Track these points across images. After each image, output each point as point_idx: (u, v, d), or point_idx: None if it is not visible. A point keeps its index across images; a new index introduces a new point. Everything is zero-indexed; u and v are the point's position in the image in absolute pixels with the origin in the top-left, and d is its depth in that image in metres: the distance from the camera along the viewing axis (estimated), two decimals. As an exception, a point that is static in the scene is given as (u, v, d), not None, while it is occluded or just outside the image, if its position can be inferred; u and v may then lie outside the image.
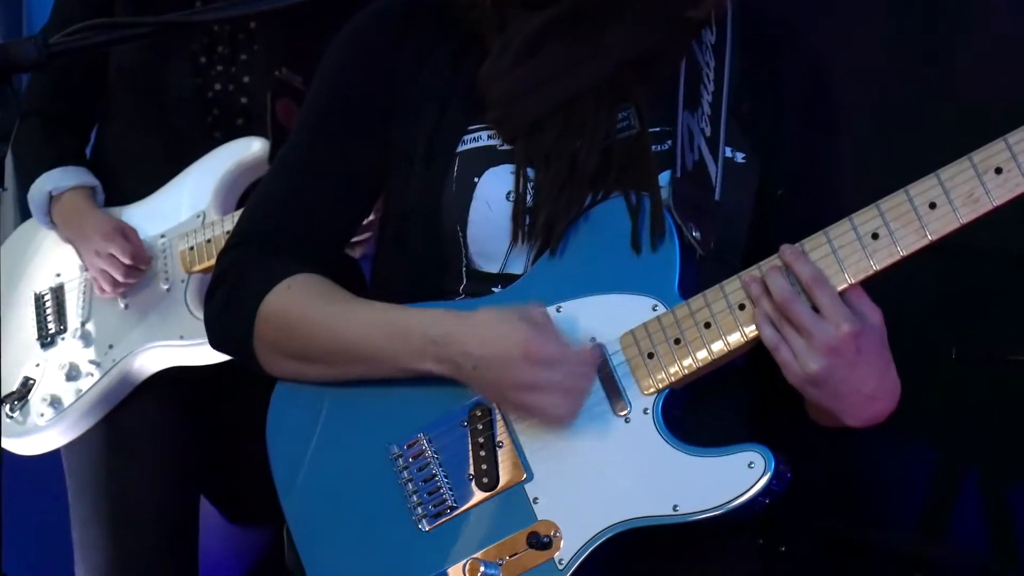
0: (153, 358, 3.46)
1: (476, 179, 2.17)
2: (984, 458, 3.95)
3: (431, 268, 2.20)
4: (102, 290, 3.48)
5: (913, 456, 4.04)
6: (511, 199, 2.15)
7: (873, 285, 2.04)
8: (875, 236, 1.99)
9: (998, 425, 3.85)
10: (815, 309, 2.00)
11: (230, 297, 2.27)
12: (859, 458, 4.12)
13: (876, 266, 2.00)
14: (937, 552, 3.93)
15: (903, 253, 1.98)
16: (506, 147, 2.18)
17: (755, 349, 2.08)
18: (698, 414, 2.13)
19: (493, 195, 2.16)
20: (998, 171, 1.94)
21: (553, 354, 2.04)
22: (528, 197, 2.14)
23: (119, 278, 3.43)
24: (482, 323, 2.08)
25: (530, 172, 2.15)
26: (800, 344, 1.99)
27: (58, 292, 3.60)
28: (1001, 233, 3.44)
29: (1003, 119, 2.00)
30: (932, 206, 1.97)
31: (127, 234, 3.45)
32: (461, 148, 2.19)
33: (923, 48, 4.10)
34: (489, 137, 2.19)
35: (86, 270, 3.52)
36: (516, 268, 2.18)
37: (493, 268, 2.19)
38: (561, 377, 2.05)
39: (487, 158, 2.18)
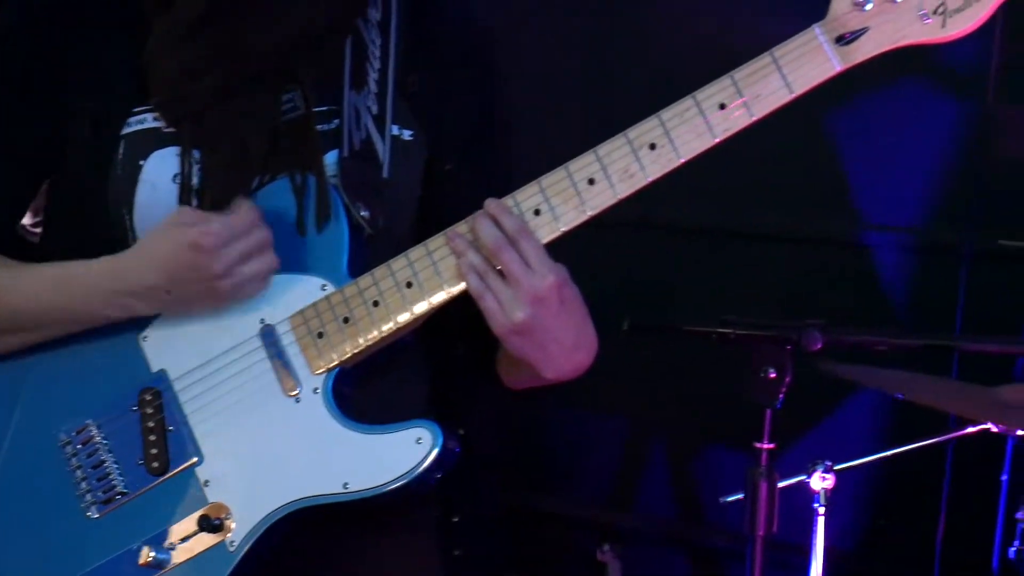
0: None
1: (142, 162, 2.12)
2: (668, 428, 4.07)
3: (99, 252, 2.15)
4: None
5: (600, 429, 4.13)
6: (177, 181, 2.11)
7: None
8: (537, 212, 2.03)
9: (679, 395, 3.97)
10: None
11: None
12: (549, 432, 4.21)
13: (543, 240, 2.03)
14: (625, 520, 4.05)
15: (563, 229, 2.02)
16: (171, 129, 2.13)
17: (425, 325, 2.10)
18: (375, 391, 2.14)
19: (159, 178, 2.12)
20: (652, 147, 1.99)
21: (221, 233, 2.02)
22: (195, 179, 2.11)
23: None
24: (147, 251, 2.06)
25: (196, 154, 2.12)
26: (506, 293, 2.01)
27: None
28: (668, 206, 3.56)
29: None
30: (591, 182, 2.01)
31: None
32: (126, 130, 2.13)
33: (595, 23, 4.20)
34: (155, 119, 2.14)
35: None
36: None
37: None
38: (243, 245, 2.04)
39: (153, 140, 2.13)
